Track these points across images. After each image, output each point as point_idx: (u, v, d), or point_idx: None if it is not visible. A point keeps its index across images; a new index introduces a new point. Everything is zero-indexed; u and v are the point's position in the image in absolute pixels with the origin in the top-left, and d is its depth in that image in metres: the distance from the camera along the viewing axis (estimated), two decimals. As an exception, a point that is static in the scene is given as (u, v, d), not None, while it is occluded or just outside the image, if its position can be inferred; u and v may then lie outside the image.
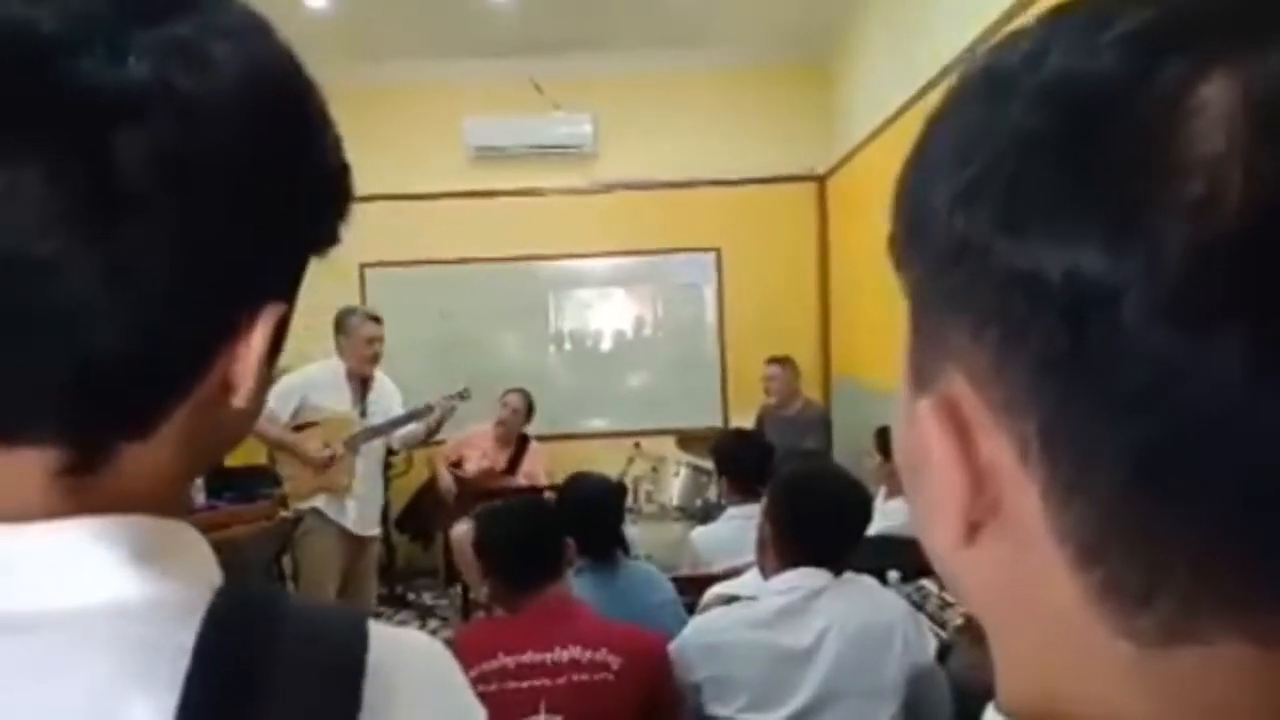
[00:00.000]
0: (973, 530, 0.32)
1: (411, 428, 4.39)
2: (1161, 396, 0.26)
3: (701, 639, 2.00)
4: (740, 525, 3.02)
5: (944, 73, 3.88)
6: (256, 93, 0.44)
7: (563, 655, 1.90)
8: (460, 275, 6.28)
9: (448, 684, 0.53)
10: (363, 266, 6.10)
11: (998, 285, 0.28)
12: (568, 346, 6.58)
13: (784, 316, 6.21)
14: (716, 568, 2.99)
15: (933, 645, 2.16)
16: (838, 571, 1.99)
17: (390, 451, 4.69)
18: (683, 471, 4.81)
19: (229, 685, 0.43)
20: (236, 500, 4.23)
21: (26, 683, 0.41)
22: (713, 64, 6.17)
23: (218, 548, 0.49)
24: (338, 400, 4.12)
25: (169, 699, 0.41)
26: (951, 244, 0.30)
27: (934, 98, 0.34)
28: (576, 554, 2.24)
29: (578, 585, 2.29)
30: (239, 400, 0.47)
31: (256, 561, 3.96)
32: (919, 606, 2.49)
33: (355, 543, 4.15)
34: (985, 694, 0.35)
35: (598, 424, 6.39)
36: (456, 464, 5.20)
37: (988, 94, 0.30)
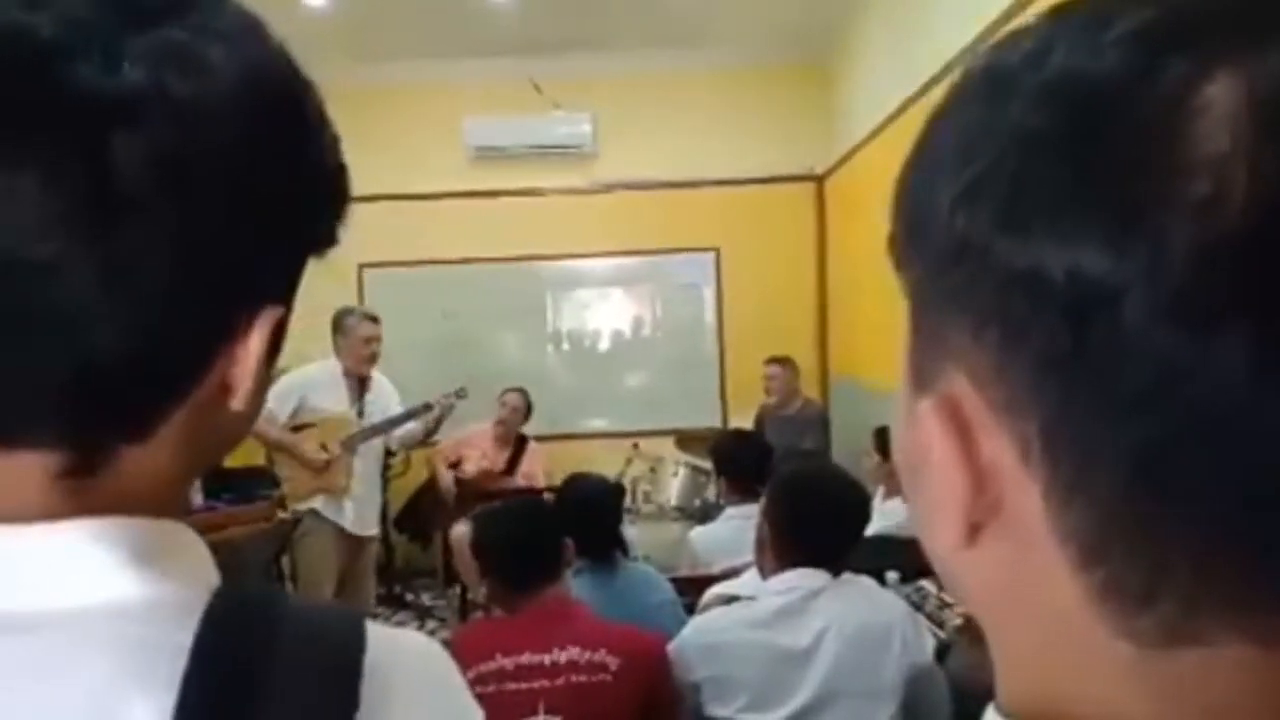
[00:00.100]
0: (974, 531, 0.32)
1: (409, 427, 4.39)
2: (1164, 396, 0.26)
3: (701, 639, 2.00)
4: (739, 525, 3.02)
5: (944, 72, 3.88)
6: (253, 95, 0.44)
7: (561, 656, 1.90)
8: (459, 275, 6.28)
9: (445, 685, 0.53)
10: (361, 267, 6.10)
11: (999, 285, 0.28)
12: (566, 347, 6.59)
13: (783, 316, 6.22)
14: (715, 568, 2.99)
15: (931, 645, 2.16)
16: (836, 572, 1.99)
17: (389, 452, 4.69)
18: (681, 472, 4.81)
19: (227, 685, 0.43)
20: (235, 501, 4.23)
21: (26, 683, 0.41)
22: (712, 64, 6.18)
23: (216, 549, 0.49)
24: (335, 401, 4.13)
25: (167, 699, 0.41)
26: (952, 243, 0.30)
27: (934, 97, 0.34)
28: (575, 555, 2.24)
29: (576, 586, 2.29)
30: (237, 402, 0.47)
31: (255, 562, 3.96)
32: (918, 607, 2.49)
33: (353, 543, 4.15)
34: (984, 694, 0.35)
35: (596, 424, 6.39)
36: (455, 464, 5.20)
37: (989, 93, 0.30)
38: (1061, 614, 0.30)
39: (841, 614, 1.93)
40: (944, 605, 2.59)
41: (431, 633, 4.82)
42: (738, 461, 3.43)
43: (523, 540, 2.07)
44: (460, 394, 4.49)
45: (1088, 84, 0.27)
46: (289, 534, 4.06)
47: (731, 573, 2.58)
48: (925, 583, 2.76)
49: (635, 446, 5.39)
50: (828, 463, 4.23)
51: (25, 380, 0.42)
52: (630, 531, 3.45)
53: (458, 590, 4.52)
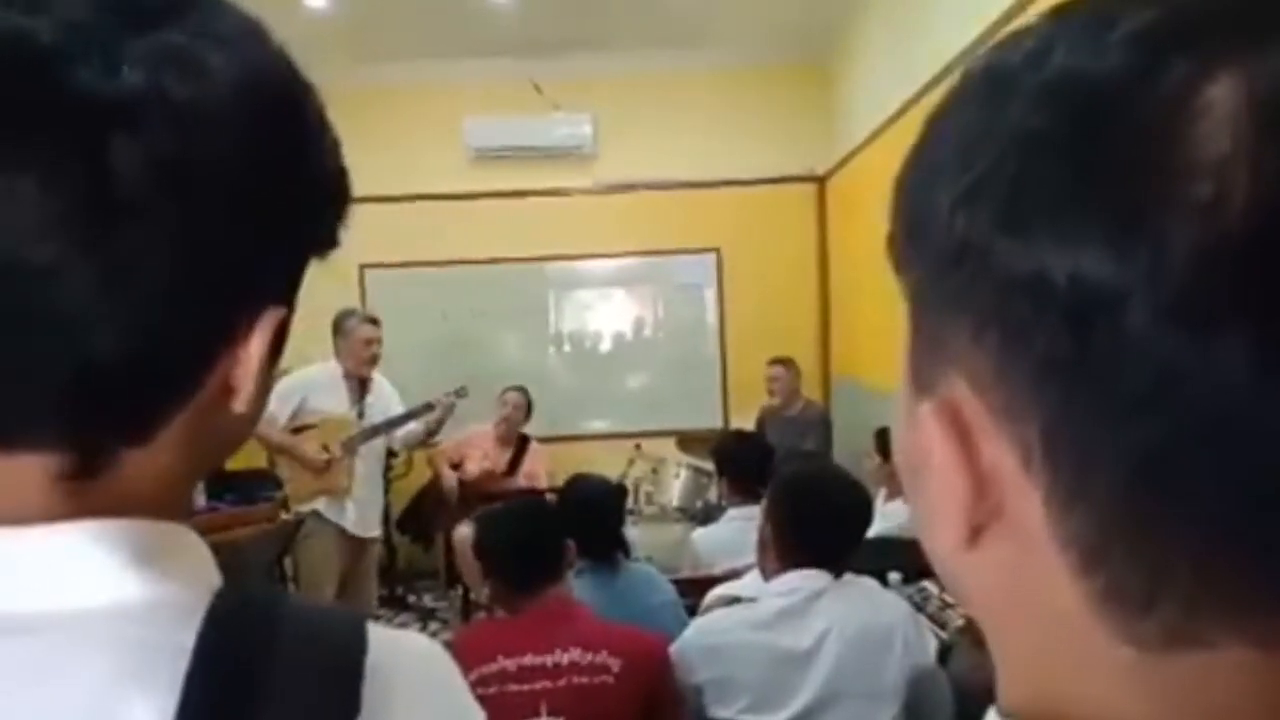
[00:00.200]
0: (974, 534, 0.31)
1: (411, 427, 4.39)
2: (1165, 399, 0.25)
3: (702, 640, 2.00)
4: (741, 527, 3.02)
5: (944, 72, 3.88)
6: (252, 98, 0.44)
7: (563, 657, 1.90)
8: (460, 276, 6.29)
9: (446, 686, 0.53)
10: (362, 268, 6.10)
11: (999, 287, 0.28)
12: (568, 348, 6.59)
13: (784, 317, 6.22)
14: (717, 569, 2.99)
15: (933, 647, 2.16)
16: (838, 573, 1.99)
17: (391, 453, 4.69)
18: (683, 473, 4.81)
19: (228, 686, 0.43)
20: (237, 502, 4.24)
21: (27, 684, 0.41)
22: (712, 64, 6.18)
23: (218, 550, 0.49)
24: (336, 402, 4.13)
25: (169, 700, 0.41)
26: (952, 245, 0.30)
27: (934, 98, 0.34)
28: (577, 556, 2.24)
29: (578, 587, 2.29)
30: (239, 404, 0.48)
31: (257, 564, 3.96)
32: (920, 608, 2.49)
33: (355, 544, 4.15)
34: (986, 695, 0.35)
35: (598, 425, 6.39)
36: (457, 465, 5.20)
37: (989, 93, 0.30)
38: (1062, 617, 0.30)
39: (843, 615, 1.93)
40: (946, 606, 2.59)
41: (434, 634, 4.82)
42: (739, 463, 3.43)
43: (524, 541, 2.07)
44: (461, 393, 4.49)
45: (1088, 85, 0.27)
46: (292, 535, 4.06)
47: (733, 574, 2.58)
48: (927, 584, 2.76)
49: (637, 447, 5.39)
50: (829, 464, 4.23)
51: (26, 382, 0.42)
52: (632, 533, 3.45)
53: (460, 592, 4.53)
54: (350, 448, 4.09)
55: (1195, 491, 0.26)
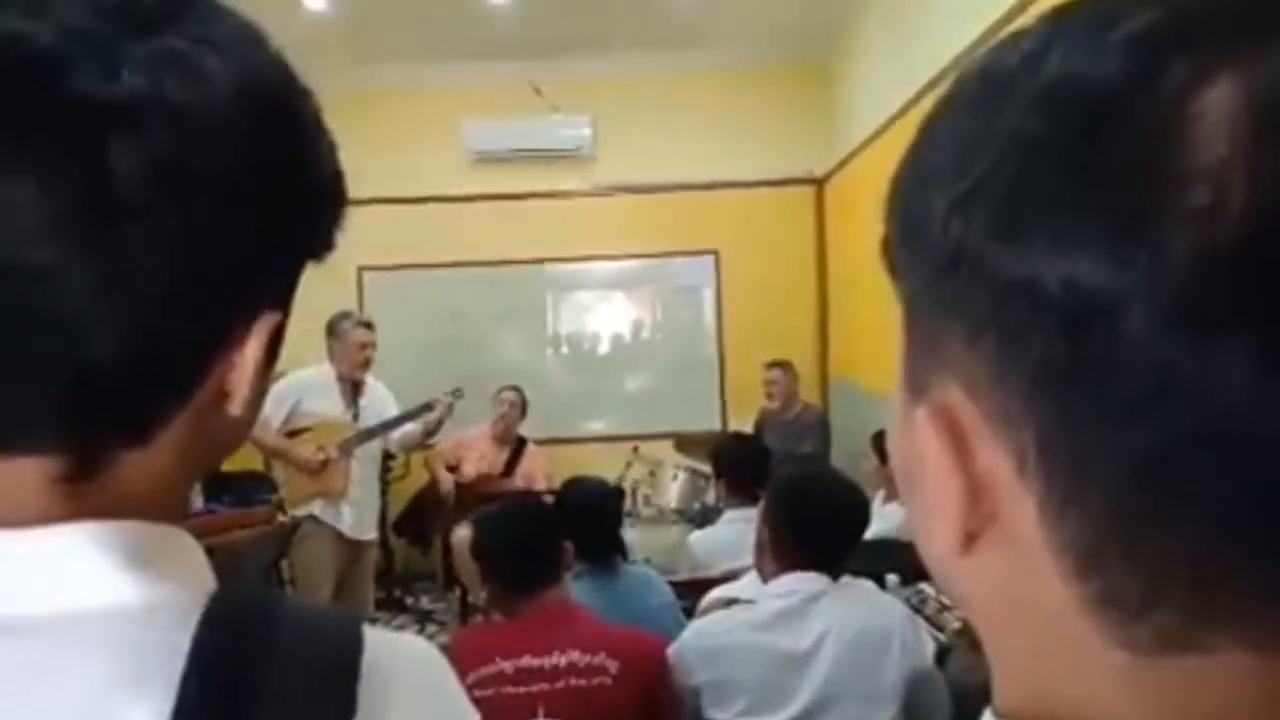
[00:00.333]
0: (969, 539, 0.31)
1: (408, 428, 4.38)
2: (1162, 405, 0.25)
3: (701, 642, 2.00)
4: (739, 528, 3.02)
5: (944, 73, 3.88)
6: (250, 102, 0.45)
7: (561, 659, 1.90)
8: (459, 278, 6.29)
9: (442, 689, 0.53)
10: (361, 269, 6.10)
11: (994, 293, 0.28)
12: (566, 350, 6.59)
13: (782, 319, 6.22)
14: (715, 571, 2.99)
15: (931, 648, 2.16)
16: (835, 575, 1.99)
17: (388, 455, 4.68)
18: (681, 475, 4.80)
19: (224, 688, 0.43)
20: (235, 505, 4.23)
21: (24, 686, 0.41)
22: (712, 65, 6.18)
23: (216, 552, 0.50)
24: (330, 405, 4.12)
25: (165, 702, 0.41)
26: (947, 250, 0.29)
27: (934, 99, 0.34)
28: (575, 558, 2.24)
29: (576, 589, 2.28)
30: (235, 407, 0.48)
31: (254, 566, 3.96)
32: (917, 610, 2.49)
33: (351, 547, 4.14)
34: (983, 697, 0.35)
35: (596, 427, 6.39)
36: (454, 468, 5.20)
37: (986, 97, 0.30)
38: (1056, 620, 0.30)
39: (841, 617, 1.93)
40: (943, 608, 2.59)
41: (431, 637, 4.82)
42: (737, 465, 3.43)
43: (522, 543, 2.07)
44: (457, 394, 4.48)
45: (1086, 88, 0.27)
46: (288, 538, 4.06)
47: (731, 576, 2.58)
48: (925, 586, 2.76)
49: (635, 450, 5.39)
50: (826, 466, 4.24)
51: (25, 384, 0.42)
52: (630, 535, 3.45)
53: (458, 594, 4.52)
54: (346, 450, 4.08)
55: (1194, 496, 0.26)
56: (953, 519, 0.31)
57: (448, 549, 3.67)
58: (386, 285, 6.18)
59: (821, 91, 6.18)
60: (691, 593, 2.64)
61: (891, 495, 3.57)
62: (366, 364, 4.19)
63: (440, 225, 6.20)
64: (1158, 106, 0.26)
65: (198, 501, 4.01)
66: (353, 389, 4.19)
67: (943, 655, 2.22)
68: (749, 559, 2.22)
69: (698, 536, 3.39)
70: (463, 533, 2.49)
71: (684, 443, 5.34)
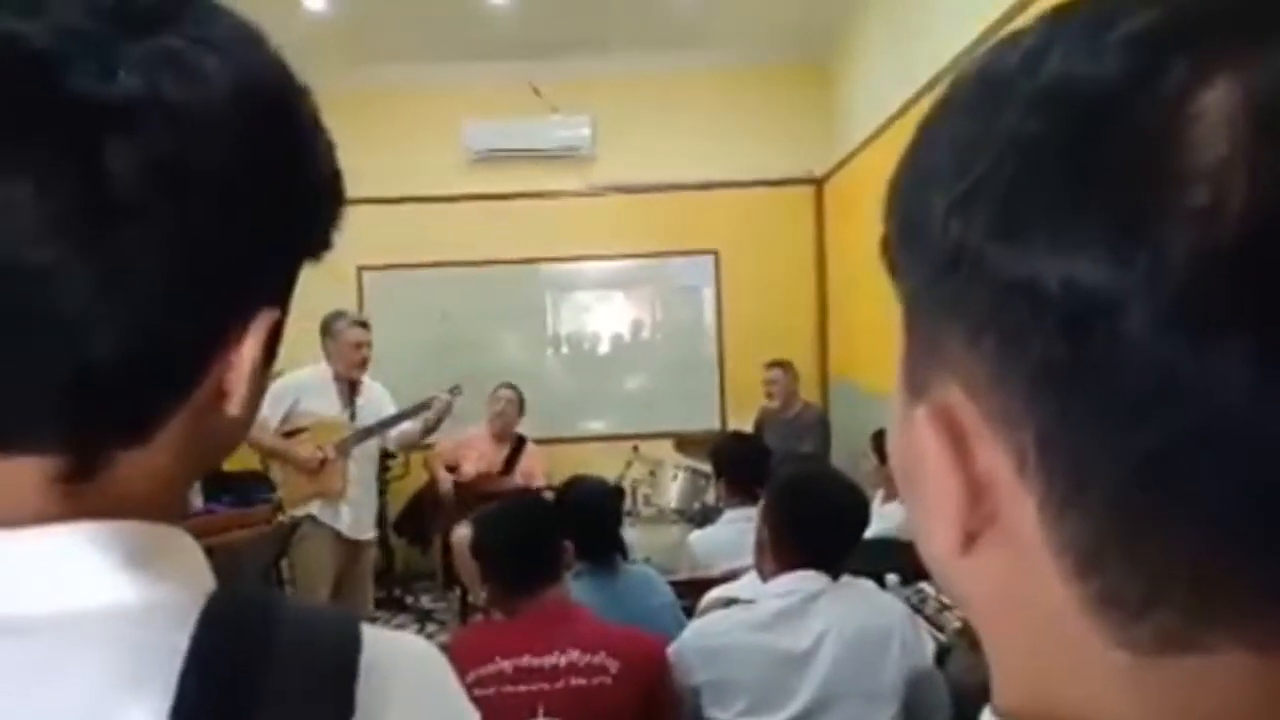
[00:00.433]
0: (969, 539, 0.31)
1: (405, 427, 4.36)
2: (1162, 406, 0.25)
3: (700, 642, 2.00)
4: (739, 528, 3.02)
5: (943, 74, 3.88)
6: (247, 102, 0.45)
7: (561, 659, 1.90)
8: (459, 278, 6.29)
9: (441, 688, 0.53)
10: (360, 269, 6.10)
11: (994, 293, 0.28)
12: (565, 349, 6.59)
13: (782, 319, 6.22)
14: (715, 571, 2.99)
15: (931, 648, 2.16)
16: (835, 575, 1.99)
17: (388, 455, 4.67)
18: (681, 474, 4.81)
19: (223, 688, 0.43)
20: (235, 505, 4.23)
21: (23, 686, 0.41)
22: (711, 65, 6.18)
23: (216, 552, 0.50)
24: (327, 405, 4.11)
25: (163, 702, 0.41)
26: (947, 250, 0.29)
27: (933, 99, 0.34)
28: (575, 557, 2.24)
29: (576, 589, 2.28)
30: (233, 407, 0.48)
31: (254, 566, 3.96)
32: (917, 609, 2.49)
33: (350, 547, 4.14)
34: (983, 697, 0.35)
35: (596, 427, 6.39)
36: (454, 468, 5.20)
37: (985, 97, 0.30)
38: (1056, 620, 0.30)
39: (841, 617, 1.93)
40: (943, 608, 2.59)
41: (431, 636, 4.82)
42: (737, 464, 3.43)
43: (522, 542, 2.07)
44: (455, 391, 4.46)
45: (1085, 89, 0.27)
46: (288, 537, 4.06)
47: (731, 575, 2.58)
48: (925, 585, 2.76)
49: (635, 449, 5.40)
50: (826, 465, 4.24)
51: (24, 384, 0.42)
52: (630, 534, 3.45)
53: (458, 593, 4.52)
54: (343, 450, 4.07)
55: (1194, 496, 0.26)
56: (953, 519, 0.31)
57: (448, 548, 3.67)
58: (386, 285, 6.18)
59: (821, 91, 6.18)
60: (691, 592, 2.64)
61: (891, 495, 3.57)
62: (363, 363, 4.18)
63: (440, 225, 6.20)
64: (1157, 107, 0.26)
65: (198, 501, 4.01)
66: (349, 388, 4.18)
67: (943, 655, 2.22)
68: (749, 558, 2.22)
69: (697, 536, 3.39)
70: (463, 532, 2.50)
71: (684, 442, 5.34)
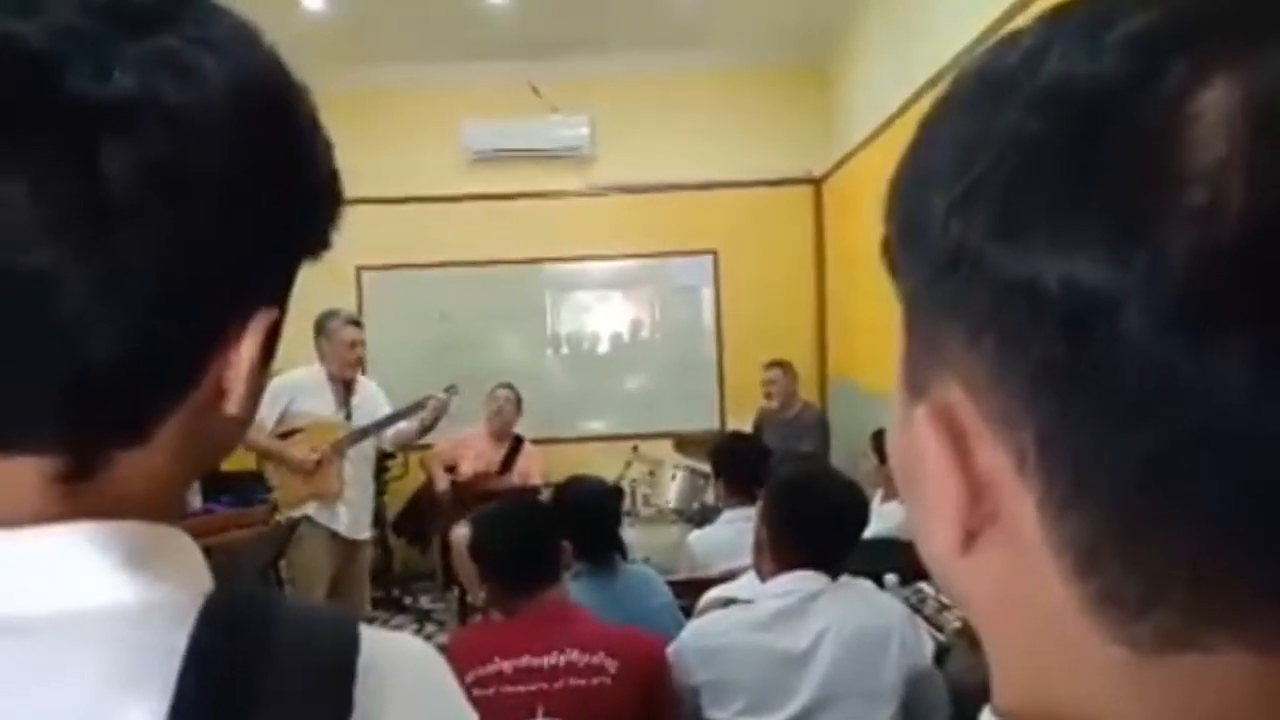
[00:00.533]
0: (969, 538, 0.31)
1: (401, 426, 4.34)
2: (1162, 406, 0.25)
3: (699, 642, 2.00)
4: (738, 528, 3.02)
5: (943, 73, 3.89)
6: (245, 102, 0.45)
7: (560, 659, 1.90)
8: (457, 278, 6.29)
9: (440, 688, 0.53)
10: (359, 269, 6.10)
11: (994, 293, 0.28)
12: (565, 349, 6.59)
13: (781, 319, 6.22)
14: (714, 571, 2.99)
15: (930, 648, 2.16)
16: (834, 575, 1.99)
17: (386, 455, 4.66)
18: (680, 474, 4.80)
19: (221, 688, 0.43)
20: (233, 505, 4.23)
21: (22, 686, 0.41)
22: (710, 65, 6.18)
23: (213, 552, 0.49)
24: (322, 405, 4.08)
25: (162, 702, 0.42)
26: (947, 250, 0.30)
27: (932, 99, 0.34)
28: (574, 558, 2.24)
29: (575, 589, 2.28)
30: (232, 406, 0.48)
31: (252, 566, 3.95)
32: (917, 609, 2.49)
33: (346, 547, 4.12)
34: (983, 696, 0.35)
35: (595, 427, 6.39)
36: (452, 468, 5.19)
37: (984, 97, 0.30)
38: (1055, 620, 0.30)
39: (840, 616, 1.93)
40: (943, 608, 2.59)
41: (430, 636, 4.82)
42: (736, 464, 3.43)
43: (521, 542, 2.07)
44: (452, 390, 4.44)
45: (1084, 89, 0.27)
46: (287, 538, 4.05)
47: (730, 575, 2.58)
48: (924, 585, 2.76)
49: (634, 449, 5.39)
50: (825, 465, 4.24)
51: (23, 385, 0.42)
52: (629, 534, 3.45)
53: (456, 593, 4.52)
54: (339, 450, 4.05)
55: (1194, 495, 0.26)
56: (952, 518, 0.31)
57: (446, 548, 3.66)
58: (385, 285, 6.18)
59: (820, 92, 6.19)
60: (690, 592, 2.64)
61: (891, 495, 3.57)
62: (358, 363, 4.16)
63: (439, 225, 6.20)
64: (1156, 107, 0.26)
65: (196, 501, 4.01)
66: (345, 388, 4.15)
67: (942, 655, 2.22)
68: (748, 558, 2.22)
69: (697, 536, 3.39)
70: (461, 532, 2.49)
71: (683, 442, 5.34)
